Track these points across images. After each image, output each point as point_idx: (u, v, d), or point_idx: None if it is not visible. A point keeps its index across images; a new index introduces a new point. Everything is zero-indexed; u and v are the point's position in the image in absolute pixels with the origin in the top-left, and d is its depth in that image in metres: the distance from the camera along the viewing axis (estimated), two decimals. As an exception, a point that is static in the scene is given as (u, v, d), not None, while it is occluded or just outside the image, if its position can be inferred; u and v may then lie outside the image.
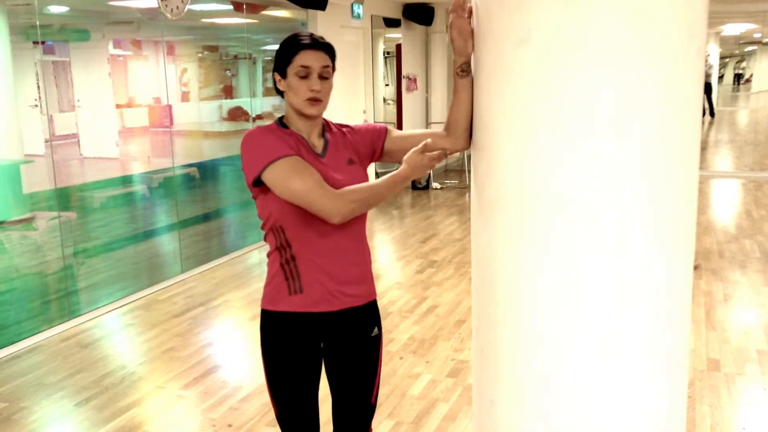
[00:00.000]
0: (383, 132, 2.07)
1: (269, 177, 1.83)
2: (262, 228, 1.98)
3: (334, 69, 1.96)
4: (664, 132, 1.63)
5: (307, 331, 1.99)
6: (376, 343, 2.11)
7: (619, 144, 1.61)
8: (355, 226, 1.99)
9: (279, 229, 1.93)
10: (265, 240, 2.01)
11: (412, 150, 1.88)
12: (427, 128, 2.06)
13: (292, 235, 1.92)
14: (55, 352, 4.28)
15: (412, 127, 9.78)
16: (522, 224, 1.73)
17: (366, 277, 2.06)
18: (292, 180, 1.81)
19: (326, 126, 2.03)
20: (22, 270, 5.74)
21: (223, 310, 5.00)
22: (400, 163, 1.95)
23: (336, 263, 1.96)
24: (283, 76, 1.92)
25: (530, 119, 1.67)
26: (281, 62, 1.92)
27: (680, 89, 1.64)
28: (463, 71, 1.88)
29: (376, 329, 2.10)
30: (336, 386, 2.11)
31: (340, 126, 2.07)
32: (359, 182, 1.93)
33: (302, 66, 1.88)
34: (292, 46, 1.90)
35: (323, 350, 2.06)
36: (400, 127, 9.62)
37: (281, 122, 1.98)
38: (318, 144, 1.97)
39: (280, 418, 2.07)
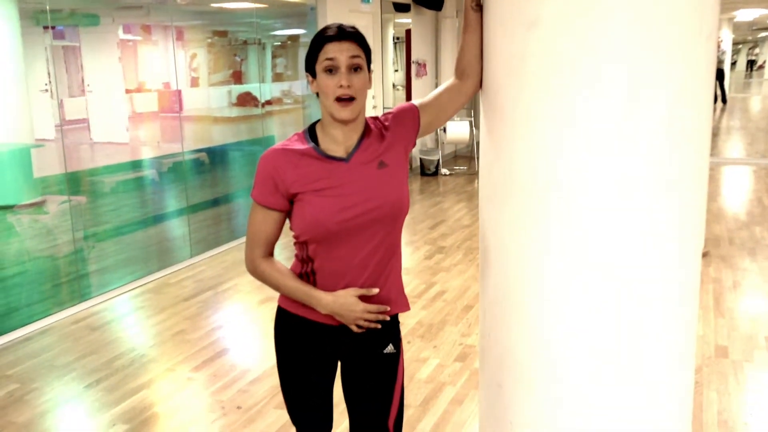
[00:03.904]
0: (416, 113, 1.91)
1: (252, 204, 1.88)
2: (293, 237, 1.88)
3: (369, 62, 1.81)
4: (674, 117, 1.62)
5: (321, 339, 1.91)
6: (391, 362, 1.95)
7: (629, 129, 1.60)
8: (391, 236, 1.86)
9: (303, 243, 1.85)
10: (294, 244, 1.91)
11: (352, 293, 1.81)
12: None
13: (315, 252, 1.83)
14: (66, 334, 4.32)
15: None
16: (531, 209, 1.73)
17: (390, 292, 1.89)
18: (249, 221, 1.88)
19: (367, 128, 1.86)
20: (34, 253, 5.79)
21: (233, 294, 5.03)
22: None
23: (359, 280, 1.83)
24: (314, 75, 1.79)
25: (540, 103, 1.66)
26: (310, 61, 1.79)
27: (692, 73, 1.63)
28: (479, 5, 1.82)
29: (391, 346, 1.94)
30: (350, 407, 2.01)
31: (380, 123, 1.89)
32: (383, 187, 1.81)
33: (327, 59, 1.74)
34: (317, 40, 1.77)
35: (340, 366, 1.99)
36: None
37: (310, 130, 1.85)
38: (350, 146, 1.82)
39: (291, 415, 2.03)
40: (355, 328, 1.85)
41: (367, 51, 1.80)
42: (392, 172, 1.84)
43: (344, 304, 1.81)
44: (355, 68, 1.75)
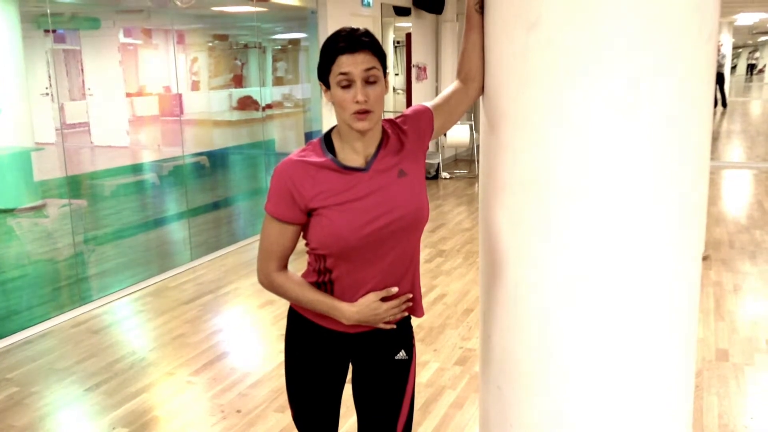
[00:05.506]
0: (431, 116, 1.87)
1: (265, 217, 1.83)
2: (306, 245, 1.85)
3: (385, 69, 1.73)
4: (674, 119, 1.62)
5: (334, 346, 1.90)
6: (402, 368, 1.95)
7: (629, 131, 1.60)
8: (411, 245, 1.84)
9: (320, 256, 1.81)
10: (307, 252, 1.87)
11: (373, 298, 1.79)
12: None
13: (334, 264, 1.80)
14: (66, 337, 4.32)
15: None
16: (530, 211, 1.73)
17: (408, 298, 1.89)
18: (263, 234, 1.85)
19: (385, 135, 1.81)
20: (34, 257, 5.78)
21: (233, 298, 5.03)
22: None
23: (378, 288, 1.81)
24: (328, 86, 1.72)
25: (541, 104, 1.66)
26: (322, 72, 1.72)
27: (691, 76, 1.63)
28: (482, 7, 1.80)
29: (403, 352, 1.94)
30: (359, 411, 2.00)
31: (397, 128, 1.84)
32: (404, 197, 1.77)
33: (341, 74, 1.66)
34: (329, 51, 1.69)
35: (352, 370, 1.98)
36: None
37: (326, 138, 1.80)
38: (368, 155, 1.78)
39: (297, 420, 2.02)
40: (384, 326, 1.84)
41: (382, 58, 1.72)
42: (412, 181, 1.80)
43: (368, 311, 1.79)
44: (370, 81, 1.69)
